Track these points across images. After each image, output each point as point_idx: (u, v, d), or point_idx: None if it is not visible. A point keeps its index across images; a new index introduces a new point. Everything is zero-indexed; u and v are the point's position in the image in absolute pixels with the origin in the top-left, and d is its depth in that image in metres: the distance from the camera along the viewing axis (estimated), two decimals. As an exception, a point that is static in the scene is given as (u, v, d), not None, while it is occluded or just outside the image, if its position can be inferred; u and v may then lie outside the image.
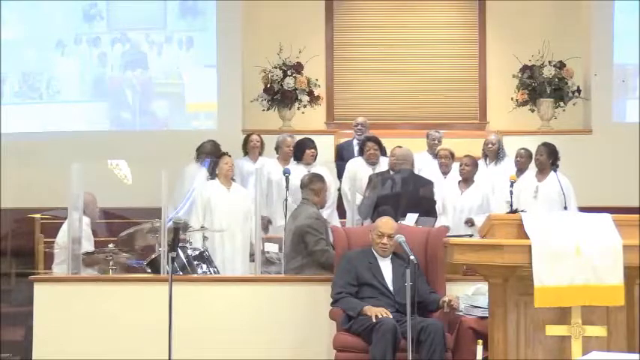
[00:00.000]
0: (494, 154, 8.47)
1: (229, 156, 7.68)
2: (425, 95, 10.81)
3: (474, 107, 10.82)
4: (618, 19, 10.19)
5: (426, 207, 7.39)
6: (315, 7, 10.77)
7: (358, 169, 8.24)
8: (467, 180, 7.88)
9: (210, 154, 8.13)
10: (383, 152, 8.44)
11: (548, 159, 7.62)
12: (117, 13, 10.44)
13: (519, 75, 10.13)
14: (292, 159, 8.30)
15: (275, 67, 10.06)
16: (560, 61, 10.04)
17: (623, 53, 10.19)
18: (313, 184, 6.55)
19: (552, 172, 7.51)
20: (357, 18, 10.95)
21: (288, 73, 10.04)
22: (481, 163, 8.26)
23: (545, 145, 7.74)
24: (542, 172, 7.64)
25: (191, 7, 10.48)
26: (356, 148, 8.94)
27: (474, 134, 9.44)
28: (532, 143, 8.05)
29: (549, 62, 10.02)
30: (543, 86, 10.00)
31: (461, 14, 10.96)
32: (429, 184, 7.60)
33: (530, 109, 10.17)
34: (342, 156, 9.03)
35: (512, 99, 10.16)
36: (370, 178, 7.65)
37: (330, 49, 10.84)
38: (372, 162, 8.30)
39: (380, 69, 10.78)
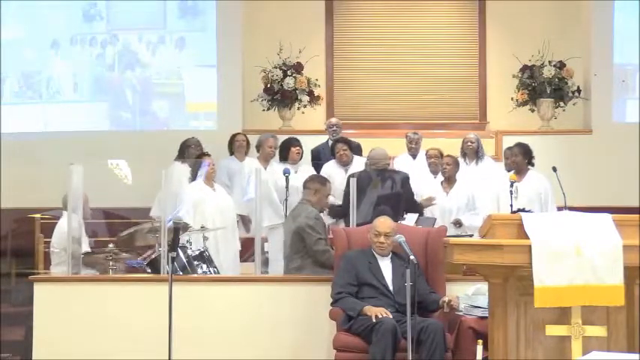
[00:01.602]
0: (474, 152, 8.49)
1: (209, 156, 7.70)
2: (425, 95, 10.80)
3: (474, 107, 10.82)
4: (618, 19, 10.18)
5: (405, 202, 7.44)
6: (315, 7, 10.77)
7: (331, 171, 8.21)
8: (449, 179, 7.92)
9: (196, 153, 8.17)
10: (356, 152, 8.44)
11: (524, 159, 7.72)
12: (116, 14, 10.43)
13: (519, 75, 10.13)
14: (276, 159, 8.35)
15: (275, 67, 10.06)
16: (560, 61, 10.04)
17: (623, 53, 10.19)
18: (312, 184, 6.55)
19: (530, 172, 7.64)
20: (357, 18, 10.94)
21: (288, 73, 10.04)
22: (461, 162, 8.27)
23: (519, 145, 7.85)
24: (519, 173, 7.70)
25: (191, 7, 10.48)
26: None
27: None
28: (532, 143, 8.06)
29: (549, 62, 10.02)
30: (543, 86, 10.00)
31: (461, 14, 10.95)
32: (402, 179, 7.61)
33: (530, 109, 10.17)
34: (319, 158, 8.91)
35: (512, 99, 10.16)
36: (347, 181, 7.48)
37: (330, 49, 10.84)
38: (344, 163, 8.30)
39: (380, 69, 10.78)
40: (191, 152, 8.31)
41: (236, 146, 8.66)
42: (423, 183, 8.09)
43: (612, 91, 10.16)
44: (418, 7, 10.94)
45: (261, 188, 6.74)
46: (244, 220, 8.06)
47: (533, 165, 7.77)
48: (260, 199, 6.76)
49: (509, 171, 7.97)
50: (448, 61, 10.81)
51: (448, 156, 8.08)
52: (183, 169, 8.20)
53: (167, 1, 10.45)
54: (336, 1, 10.89)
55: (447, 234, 7.15)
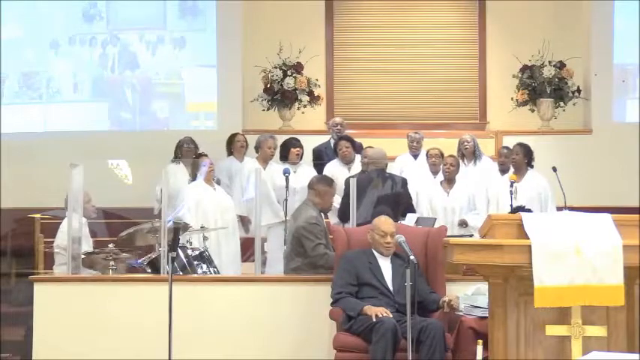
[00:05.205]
0: (471, 153, 8.51)
1: (206, 156, 7.70)
2: (425, 95, 10.81)
3: (474, 107, 10.82)
4: (618, 19, 10.19)
5: (404, 204, 7.41)
6: (315, 7, 10.77)
7: (335, 171, 8.19)
8: (450, 180, 7.92)
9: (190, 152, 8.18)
10: (358, 151, 8.44)
11: (524, 158, 7.76)
12: (116, 14, 10.44)
13: (519, 75, 10.14)
14: (275, 159, 8.34)
15: (275, 67, 10.07)
16: (560, 61, 10.04)
17: (623, 53, 10.19)
18: (317, 186, 6.51)
19: (530, 172, 7.67)
20: (357, 18, 10.95)
21: (288, 73, 10.05)
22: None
23: (521, 145, 7.91)
24: (518, 172, 7.72)
25: (191, 7, 10.48)
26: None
27: (473, 134, 9.42)
28: (532, 143, 8.07)
29: (549, 62, 10.03)
30: (543, 86, 10.00)
31: (461, 14, 10.95)
32: (402, 181, 7.61)
33: (530, 109, 10.17)
34: (321, 158, 8.90)
35: (512, 99, 10.17)
36: (346, 182, 7.49)
37: (330, 49, 10.84)
38: (347, 161, 8.32)
39: (380, 69, 10.78)
40: (184, 151, 8.34)
41: (237, 147, 8.65)
42: (424, 183, 8.09)
43: (612, 91, 10.16)
44: (418, 7, 10.94)
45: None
46: (243, 221, 8.05)
47: (532, 166, 7.79)
48: (259, 199, 6.75)
49: (502, 170, 8.00)
50: (448, 61, 10.81)
51: (451, 156, 8.07)
52: (178, 169, 8.21)
53: (167, 1, 10.46)
54: (336, 1, 10.89)
55: (453, 234, 7.20)
